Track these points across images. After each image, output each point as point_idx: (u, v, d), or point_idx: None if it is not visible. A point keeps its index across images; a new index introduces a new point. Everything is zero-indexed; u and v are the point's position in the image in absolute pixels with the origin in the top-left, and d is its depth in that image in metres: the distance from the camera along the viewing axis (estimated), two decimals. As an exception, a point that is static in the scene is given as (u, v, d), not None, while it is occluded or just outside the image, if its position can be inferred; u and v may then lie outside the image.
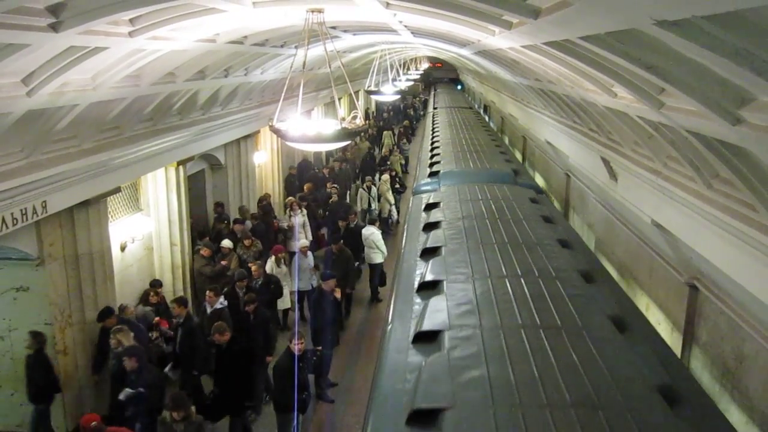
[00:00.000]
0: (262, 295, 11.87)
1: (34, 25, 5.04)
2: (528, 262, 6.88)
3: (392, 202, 21.21)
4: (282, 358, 9.47)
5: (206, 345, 10.25)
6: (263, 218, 16.74)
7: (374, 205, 20.20)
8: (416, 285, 6.90)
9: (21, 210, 8.03)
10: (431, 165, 14.65)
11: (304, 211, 16.88)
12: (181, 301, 10.65)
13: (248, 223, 16.05)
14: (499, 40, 6.55)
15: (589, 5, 3.21)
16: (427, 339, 5.51)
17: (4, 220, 7.74)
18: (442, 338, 5.36)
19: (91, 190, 9.52)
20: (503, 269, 6.73)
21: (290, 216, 16.73)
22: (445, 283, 6.52)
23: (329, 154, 26.62)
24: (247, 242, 14.27)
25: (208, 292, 11.25)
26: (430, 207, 10.35)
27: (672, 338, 8.17)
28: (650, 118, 5.09)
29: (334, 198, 19.01)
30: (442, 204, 10.13)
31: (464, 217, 9.18)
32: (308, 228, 16.83)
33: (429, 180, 12.88)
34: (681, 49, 3.05)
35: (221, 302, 11.15)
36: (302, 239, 15.21)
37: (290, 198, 17.42)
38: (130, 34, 6.40)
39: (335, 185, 20.46)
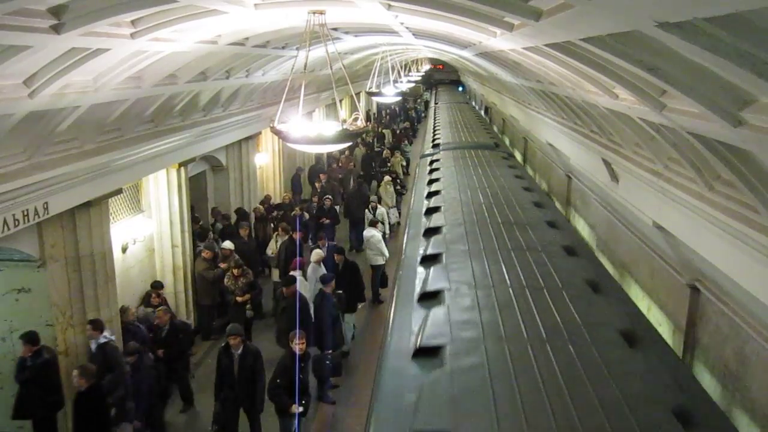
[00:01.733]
0: (169, 347, 10.60)
1: (36, 26, 5.05)
2: (494, 184, 12.12)
3: (392, 204, 21.12)
4: (283, 358, 9.44)
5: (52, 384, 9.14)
6: (238, 223, 15.77)
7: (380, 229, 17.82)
8: (425, 194, 11.92)
9: (23, 211, 8.04)
10: (433, 140, 20.57)
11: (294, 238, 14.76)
12: (28, 339, 8.95)
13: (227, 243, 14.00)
14: (500, 41, 6.55)
15: (591, 7, 3.21)
16: (433, 229, 9.23)
17: (5, 221, 7.75)
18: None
19: (92, 192, 9.54)
20: (476, 186, 11.90)
21: (276, 242, 14.71)
22: (442, 191, 11.65)
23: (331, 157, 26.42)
24: (236, 272, 12.65)
25: (88, 325, 9.59)
26: (432, 162, 15.55)
27: (673, 340, 8.17)
28: (651, 120, 5.09)
29: (297, 211, 17.28)
30: (441, 160, 15.43)
31: (455, 167, 14.18)
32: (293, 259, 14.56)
33: (432, 150, 18.35)
34: (682, 51, 3.05)
35: (105, 336, 9.50)
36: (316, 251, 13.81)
37: (282, 223, 15.40)
38: (132, 35, 6.41)
39: (329, 196, 19.14)
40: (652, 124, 5.22)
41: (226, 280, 12.66)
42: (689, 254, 6.79)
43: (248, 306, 12.69)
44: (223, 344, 9.74)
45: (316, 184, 21.82)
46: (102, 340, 9.46)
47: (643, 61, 3.68)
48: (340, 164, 25.17)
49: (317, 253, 13.40)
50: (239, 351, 9.43)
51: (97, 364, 8.99)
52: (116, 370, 9.24)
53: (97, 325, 9.52)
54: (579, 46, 4.31)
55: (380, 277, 15.51)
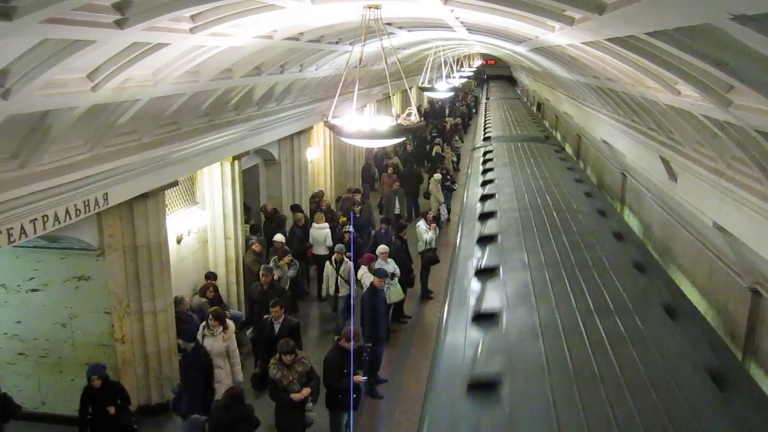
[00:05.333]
0: None
1: (101, 21, 5.16)
2: (521, 120, 22.95)
3: (441, 200, 20.98)
4: (331, 354, 9.40)
5: None
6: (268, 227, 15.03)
7: (344, 291, 13.17)
8: (484, 126, 22.90)
9: (84, 201, 8.27)
10: (487, 96, 42.92)
11: (231, 327, 10.12)
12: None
13: (278, 236, 13.52)
14: (558, 36, 6.44)
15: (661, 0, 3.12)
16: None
17: (67, 211, 7.98)
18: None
19: (150, 183, 9.76)
20: (509, 117, 24.18)
21: (203, 335, 9.93)
22: (489, 108, 30.09)
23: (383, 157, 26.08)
24: (287, 358, 8.70)
25: None
26: (487, 105, 33.96)
27: (732, 344, 7.94)
28: (715, 117, 4.93)
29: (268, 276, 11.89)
30: (489, 102, 35.75)
31: (498, 108, 29.11)
32: (237, 359, 10.10)
33: (486, 101, 38.78)
34: (755, 45, 2.94)
35: None
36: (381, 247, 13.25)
37: (215, 307, 10.50)
38: (191, 30, 6.51)
39: (348, 229, 15.37)
40: (716, 121, 5.07)
41: (272, 369, 8.82)
42: (751, 256, 6.58)
43: (309, 405, 8.99)
44: None
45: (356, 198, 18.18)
46: None
47: (711, 55, 3.56)
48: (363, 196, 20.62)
49: (382, 248, 13.31)
50: None
51: None
52: None
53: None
54: (642, 40, 4.19)
55: (428, 264, 15.70)
